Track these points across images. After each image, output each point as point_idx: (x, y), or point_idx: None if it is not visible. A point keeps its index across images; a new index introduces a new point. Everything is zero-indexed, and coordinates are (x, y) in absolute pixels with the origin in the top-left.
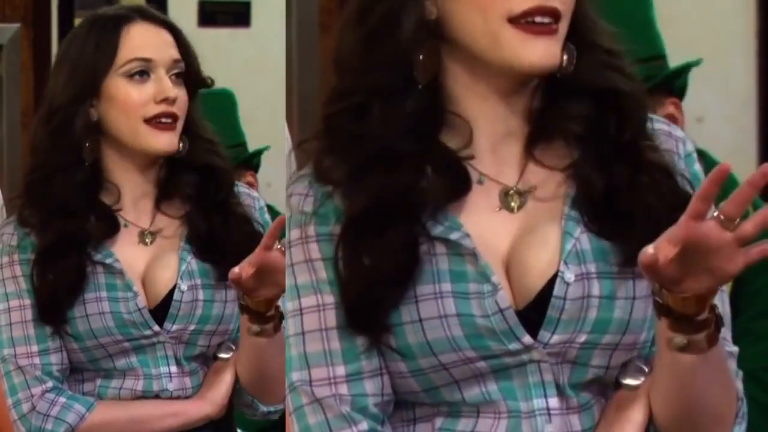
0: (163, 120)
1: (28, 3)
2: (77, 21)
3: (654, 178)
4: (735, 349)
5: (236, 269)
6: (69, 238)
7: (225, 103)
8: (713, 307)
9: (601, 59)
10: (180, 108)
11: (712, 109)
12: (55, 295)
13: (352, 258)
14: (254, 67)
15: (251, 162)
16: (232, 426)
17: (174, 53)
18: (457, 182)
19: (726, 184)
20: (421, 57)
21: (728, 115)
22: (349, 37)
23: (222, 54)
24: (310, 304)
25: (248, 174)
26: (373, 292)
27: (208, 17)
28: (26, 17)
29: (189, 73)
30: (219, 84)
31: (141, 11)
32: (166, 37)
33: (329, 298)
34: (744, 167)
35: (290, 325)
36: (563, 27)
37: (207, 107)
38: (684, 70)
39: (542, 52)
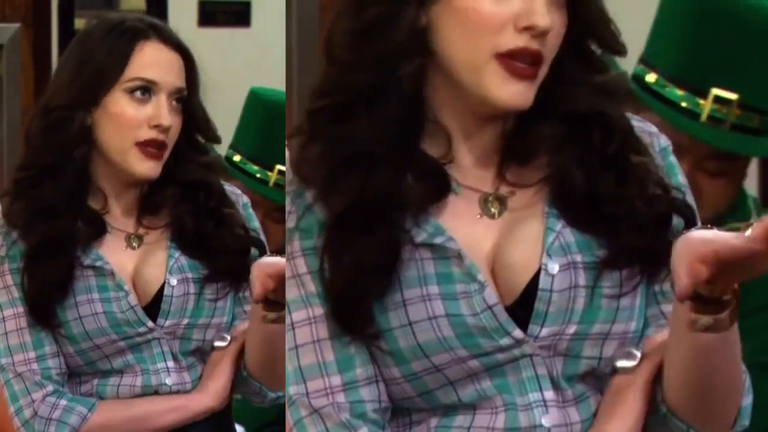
0: (151, 148)
1: (28, 3)
2: (77, 21)
3: (640, 185)
4: None
5: (259, 288)
6: (55, 238)
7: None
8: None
9: (587, 83)
10: (171, 137)
11: None
12: (45, 294)
13: (335, 257)
14: (254, 67)
15: None
16: (231, 420)
17: (179, 81)
18: (437, 186)
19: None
20: (409, 66)
21: None
22: (342, 27)
23: (222, 54)
24: (301, 318)
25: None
26: (355, 286)
27: (208, 17)
28: (26, 17)
29: (190, 100)
30: (219, 84)
31: (158, 29)
32: (176, 62)
33: (319, 310)
34: None
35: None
36: (542, 71)
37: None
38: None
39: (518, 95)
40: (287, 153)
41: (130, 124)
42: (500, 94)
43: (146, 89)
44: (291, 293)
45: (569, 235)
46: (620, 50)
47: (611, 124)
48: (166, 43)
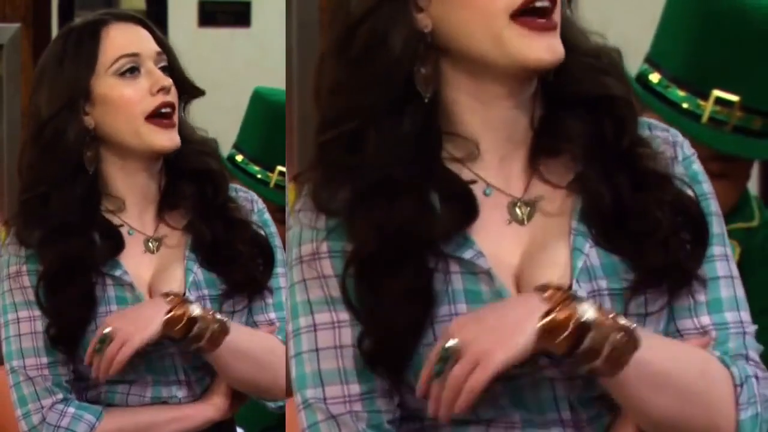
0: (164, 111)
1: (28, 3)
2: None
3: (656, 188)
4: (754, 327)
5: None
6: (74, 260)
7: None
8: (605, 339)
9: (587, 62)
10: (174, 98)
11: None
12: (68, 325)
13: (364, 305)
14: (254, 67)
15: None
16: (233, 426)
17: (155, 46)
18: (465, 211)
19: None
20: (423, 71)
21: None
22: (332, 65)
23: (222, 54)
24: (324, 321)
25: None
26: (389, 343)
27: (208, 17)
28: (26, 17)
29: (171, 69)
30: (219, 84)
31: (114, 14)
32: (144, 33)
33: (344, 315)
34: None
35: (303, 341)
36: (558, 18)
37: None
38: None
39: (547, 49)
40: (287, 153)
41: (133, 100)
42: (529, 52)
43: (133, 68)
44: (315, 293)
45: (595, 258)
46: None
47: (620, 111)
48: (126, 20)
